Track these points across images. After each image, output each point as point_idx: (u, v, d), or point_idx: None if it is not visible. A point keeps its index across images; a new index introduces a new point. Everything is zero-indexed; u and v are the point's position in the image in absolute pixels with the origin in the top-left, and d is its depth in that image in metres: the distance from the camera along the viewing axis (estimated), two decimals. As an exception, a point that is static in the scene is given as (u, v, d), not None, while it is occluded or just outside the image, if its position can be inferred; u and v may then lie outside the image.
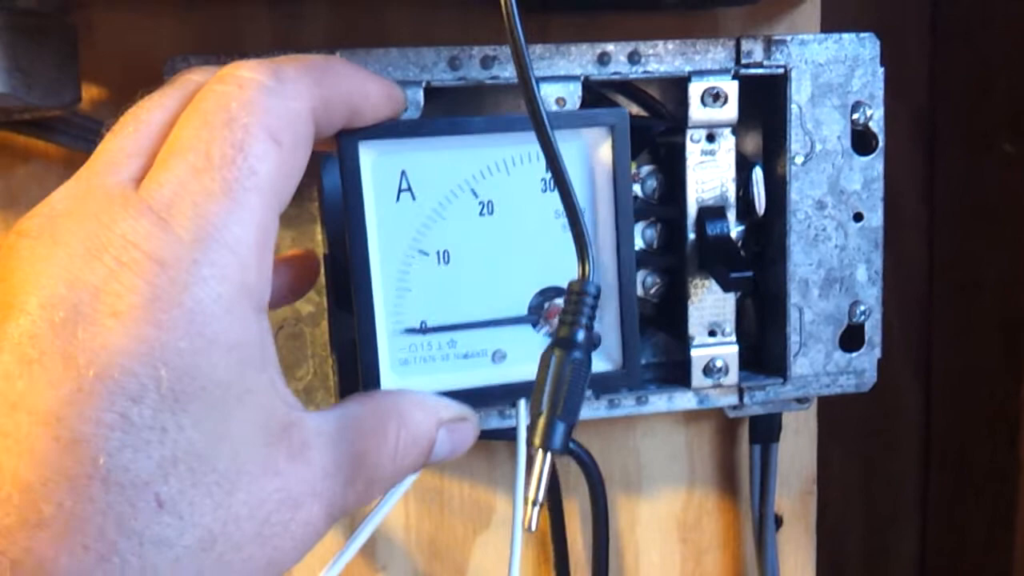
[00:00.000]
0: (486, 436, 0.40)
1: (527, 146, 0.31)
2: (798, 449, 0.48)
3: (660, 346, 0.41)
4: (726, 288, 0.35)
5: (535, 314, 0.32)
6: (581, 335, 0.25)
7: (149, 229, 0.21)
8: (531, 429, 0.25)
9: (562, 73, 0.35)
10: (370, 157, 0.30)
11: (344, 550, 0.31)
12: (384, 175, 0.30)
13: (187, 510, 0.21)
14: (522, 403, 0.32)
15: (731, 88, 0.35)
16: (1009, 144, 0.54)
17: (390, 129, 0.29)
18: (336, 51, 0.33)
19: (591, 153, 0.31)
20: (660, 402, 0.39)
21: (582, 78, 0.34)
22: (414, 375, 0.31)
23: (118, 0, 0.37)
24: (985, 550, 0.62)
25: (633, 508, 0.47)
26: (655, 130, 0.38)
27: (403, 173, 0.30)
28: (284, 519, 0.23)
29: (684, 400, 0.39)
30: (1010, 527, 0.59)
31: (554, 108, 0.34)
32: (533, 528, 0.24)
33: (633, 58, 0.35)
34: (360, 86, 0.27)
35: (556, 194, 0.31)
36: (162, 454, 0.20)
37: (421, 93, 0.33)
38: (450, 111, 0.37)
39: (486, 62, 0.34)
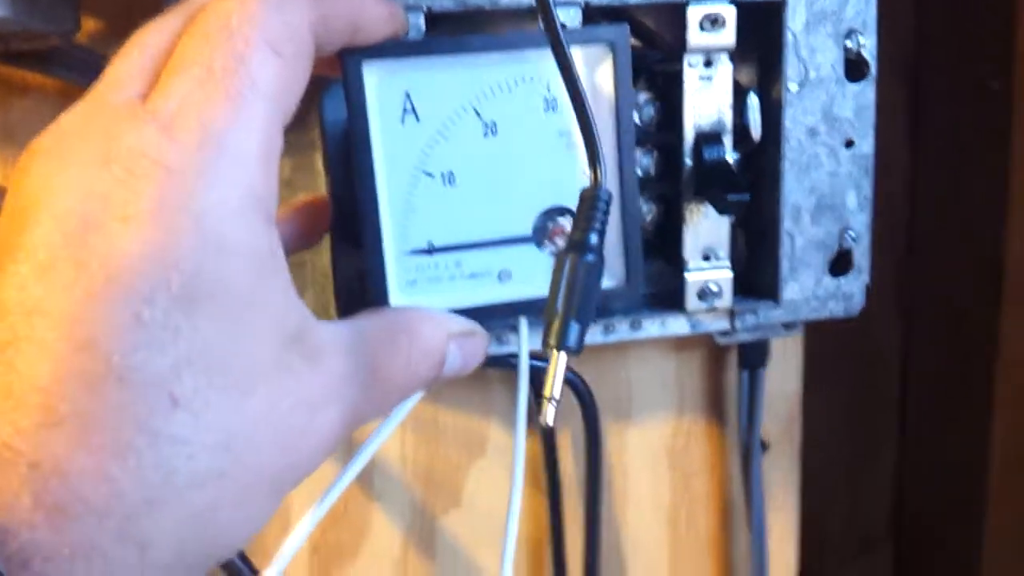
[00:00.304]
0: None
1: (529, 65, 0.31)
2: (785, 375, 0.49)
3: (655, 277, 0.41)
4: (723, 211, 0.36)
5: (539, 234, 0.32)
6: (594, 238, 0.25)
7: (155, 139, 0.22)
8: (546, 331, 0.25)
9: (564, -1, 0.35)
10: (374, 79, 0.30)
11: (343, 473, 0.31)
12: (388, 97, 0.30)
13: (202, 409, 0.21)
14: (523, 320, 0.33)
15: (729, 13, 0.35)
16: (995, 81, 0.55)
17: (393, 48, 0.29)
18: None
19: (591, 72, 0.32)
20: (654, 327, 0.40)
21: (583, 4, 0.34)
22: (422, 295, 0.32)
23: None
24: (960, 475, 0.65)
25: (622, 434, 0.48)
26: (651, 59, 0.38)
27: (407, 94, 0.30)
28: (301, 423, 0.24)
29: (677, 325, 0.40)
30: (985, 454, 0.61)
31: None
32: (550, 422, 0.25)
33: (634, -16, 0.36)
34: (359, 3, 0.27)
35: (559, 114, 0.32)
36: (176, 354, 0.21)
37: (422, 18, 0.33)
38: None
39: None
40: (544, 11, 0.24)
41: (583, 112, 0.25)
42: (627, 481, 0.49)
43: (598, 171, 0.25)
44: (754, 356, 0.45)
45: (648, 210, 0.39)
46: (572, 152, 0.32)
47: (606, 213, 0.26)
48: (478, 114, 0.31)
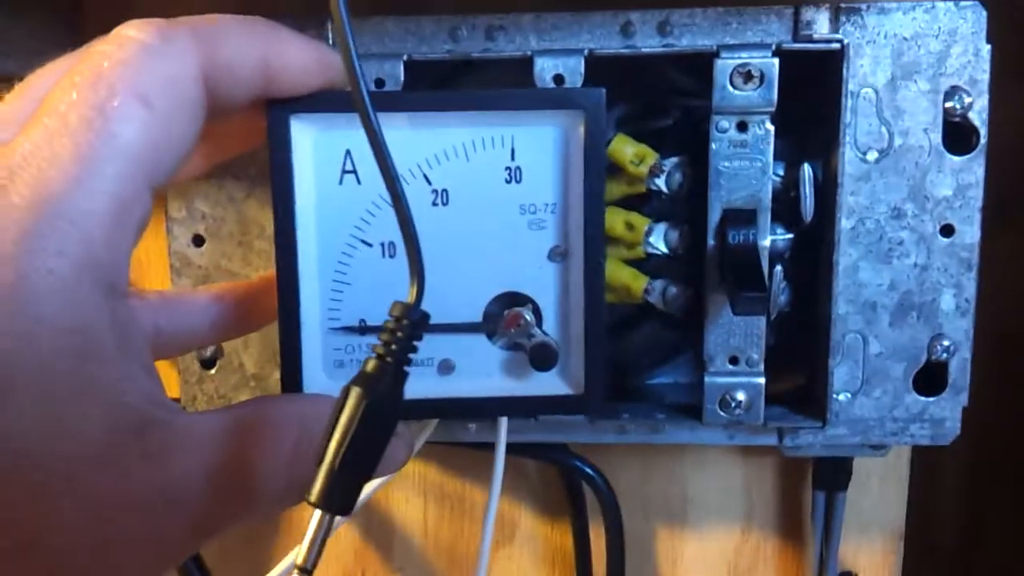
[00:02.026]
0: (513, 452, 0.36)
1: (490, 128, 0.27)
2: (883, 498, 0.40)
3: (689, 365, 0.35)
4: (736, 310, 0.29)
5: (491, 322, 0.27)
6: (389, 374, 0.20)
7: None
8: (311, 483, 0.20)
9: (570, 46, 0.30)
10: (311, 133, 0.27)
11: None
12: (326, 154, 0.27)
13: (1, 511, 0.19)
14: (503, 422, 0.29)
15: (769, 66, 0.29)
16: None
17: (328, 102, 0.26)
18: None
19: (569, 139, 0.27)
20: (680, 433, 0.33)
21: (585, 52, 0.29)
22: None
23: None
24: None
25: (676, 542, 0.41)
26: (698, 116, 0.32)
27: (347, 153, 0.27)
28: (127, 527, 0.21)
29: (710, 433, 0.33)
30: None
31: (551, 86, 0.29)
32: None
33: (663, 29, 0.30)
34: (275, 47, 0.24)
35: (523, 187, 0.27)
36: None
37: (401, 68, 0.30)
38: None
39: (491, 32, 0.30)
40: (351, 71, 0.20)
41: (401, 210, 0.21)
42: (682, 595, 0.42)
43: (416, 286, 0.21)
44: (830, 476, 0.37)
45: (673, 294, 0.32)
46: (537, 231, 0.27)
47: (411, 339, 0.21)
48: (428, 180, 0.27)
